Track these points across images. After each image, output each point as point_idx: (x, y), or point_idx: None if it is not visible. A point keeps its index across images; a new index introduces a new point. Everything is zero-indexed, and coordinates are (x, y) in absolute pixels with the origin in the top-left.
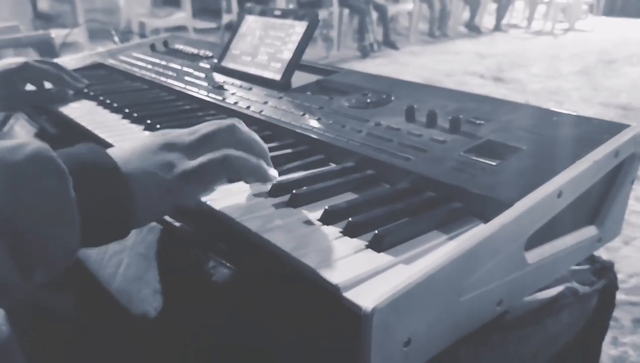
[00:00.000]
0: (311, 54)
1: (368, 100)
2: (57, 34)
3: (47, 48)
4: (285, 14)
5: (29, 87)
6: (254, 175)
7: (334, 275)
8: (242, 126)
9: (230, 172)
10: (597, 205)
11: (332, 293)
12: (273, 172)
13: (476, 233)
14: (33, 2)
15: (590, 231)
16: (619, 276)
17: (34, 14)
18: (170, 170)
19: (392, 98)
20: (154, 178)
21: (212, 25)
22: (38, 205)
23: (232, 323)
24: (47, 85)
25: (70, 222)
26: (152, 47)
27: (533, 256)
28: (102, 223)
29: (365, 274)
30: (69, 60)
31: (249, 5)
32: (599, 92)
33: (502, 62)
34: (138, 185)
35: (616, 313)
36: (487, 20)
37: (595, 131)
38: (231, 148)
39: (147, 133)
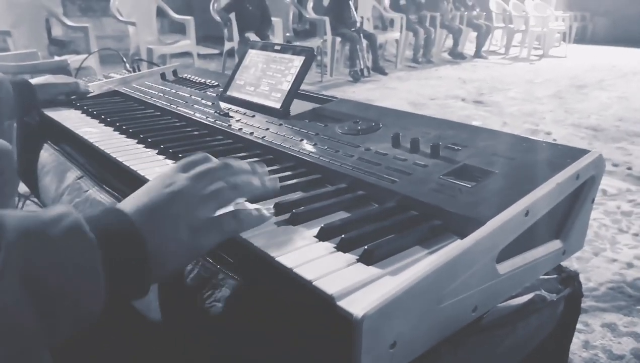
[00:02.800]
0: (306, 79)
1: (359, 128)
2: (70, 60)
3: (63, 73)
4: (284, 49)
5: None
6: (259, 223)
7: (329, 286)
8: (235, 164)
9: (242, 227)
10: (561, 222)
11: (327, 302)
12: (273, 183)
13: (453, 247)
14: (48, 29)
15: (555, 245)
16: (590, 285)
17: (49, 41)
18: (188, 230)
19: (381, 125)
20: (173, 239)
21: (215, 51)
22: (70, 275)
23: (235, 329)
24: None
25: (96, 291)
26: (163, 76)
27: (504, 267)
28: (124, 288)
29: (356, 285)
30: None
31: (246, 35)
32: (571, 115)
33: (482, 87)
34: (158, 249)
35: (587, 318)
36: (468, 47)
37: (559, 156)
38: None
39: (160, 157)
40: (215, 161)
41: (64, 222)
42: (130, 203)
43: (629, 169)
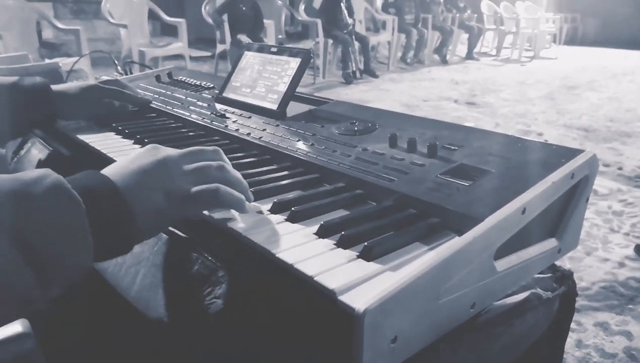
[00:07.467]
0: None
1: (356, 128)
2: (62, 62)
3: (55, 76)
4: (280, 51)
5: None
6: (236, 208)
7: (330, 281)
8: (228, 165)
9: (219, 203)
10: (556, 220)
11: (329, 297)
12: (253, 206)
13: (452, 244)
14: (39, 32)
15: (551, 243)
16: (583, 284)
17: (40, 44)
18: (166, 196)
19: (377, 126)
20: (152, 202)
21: (207, 53)
22: (57, 232)
23: (236, 326)
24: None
25: (85, 245)
26: (158, 78)
27: (502, 265)
28: (109, 242)
29: (357, 280)
30: None
31: (238, 37)
32: (563, 115)
33: (474, 88)
34: (138, 208)
35: (580, 318)
36: (460, 49)
37: (554, 155)
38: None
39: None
40: (231, 171)
41: (46, 182)
42: (110, 166)
43: (620, 169)
